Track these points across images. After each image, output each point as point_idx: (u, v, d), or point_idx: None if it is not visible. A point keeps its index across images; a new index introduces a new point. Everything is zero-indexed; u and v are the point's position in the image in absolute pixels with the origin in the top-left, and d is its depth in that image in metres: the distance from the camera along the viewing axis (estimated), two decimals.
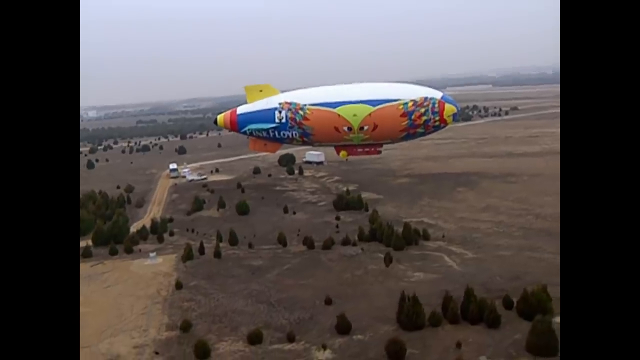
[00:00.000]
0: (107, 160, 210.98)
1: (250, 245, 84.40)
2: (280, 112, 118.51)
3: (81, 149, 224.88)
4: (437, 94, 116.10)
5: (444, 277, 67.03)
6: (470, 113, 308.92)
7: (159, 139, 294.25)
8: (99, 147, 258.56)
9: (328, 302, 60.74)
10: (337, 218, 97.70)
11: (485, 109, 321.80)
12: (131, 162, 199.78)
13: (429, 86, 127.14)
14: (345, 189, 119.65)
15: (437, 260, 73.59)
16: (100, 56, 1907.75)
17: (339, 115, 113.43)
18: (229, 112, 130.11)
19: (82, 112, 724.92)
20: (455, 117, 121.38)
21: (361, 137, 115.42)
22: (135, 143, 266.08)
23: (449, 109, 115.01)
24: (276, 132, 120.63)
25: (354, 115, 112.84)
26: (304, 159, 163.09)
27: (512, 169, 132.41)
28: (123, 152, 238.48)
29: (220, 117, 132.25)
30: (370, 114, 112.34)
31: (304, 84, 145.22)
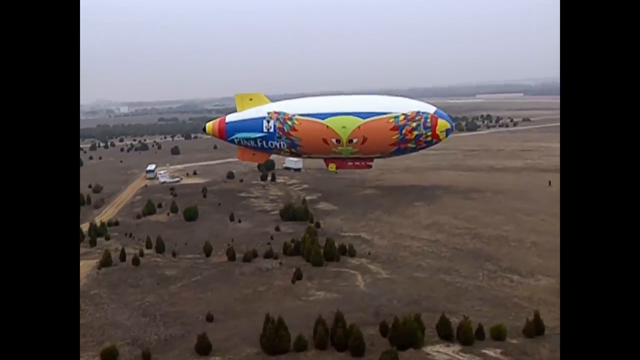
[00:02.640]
0: (100, 158, 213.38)
1: (174, 254, 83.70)
2: (268, 121, 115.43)
3: (83, 146, 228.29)
4: (430, 109, 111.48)
5: (344, 297, 64.89)
6: (479, 123, 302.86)
7: (164, 137, 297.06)
8: (101, 145, 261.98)
9: (210, 319, 59.45)
10: (277, 229, 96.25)
11: (498, 119, 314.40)
12: (121, 161, 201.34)
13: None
14: (304, 198, 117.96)
15: (348, 279, 71.46)
16: (142, 56, 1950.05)
17: (327, 126, 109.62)
18: (217, 120, 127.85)
19: (114, 107, 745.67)
20: (449, 133, 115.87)
21: (350, 150, 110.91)
22: (139, 142, 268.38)
23: (442, 124, 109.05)
24: (264, 142, 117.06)
25: (343, 127, 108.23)
26: (284, 165, 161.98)
27: (481, 184, 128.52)
28: (122, 150, 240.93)
29: (209, 125, 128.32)
30: (359, 127, 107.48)
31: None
